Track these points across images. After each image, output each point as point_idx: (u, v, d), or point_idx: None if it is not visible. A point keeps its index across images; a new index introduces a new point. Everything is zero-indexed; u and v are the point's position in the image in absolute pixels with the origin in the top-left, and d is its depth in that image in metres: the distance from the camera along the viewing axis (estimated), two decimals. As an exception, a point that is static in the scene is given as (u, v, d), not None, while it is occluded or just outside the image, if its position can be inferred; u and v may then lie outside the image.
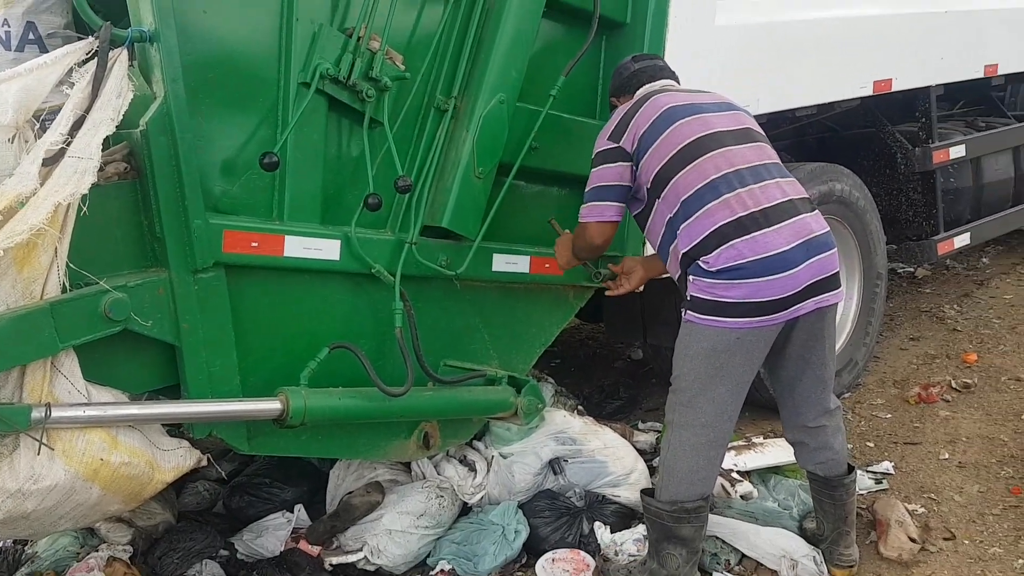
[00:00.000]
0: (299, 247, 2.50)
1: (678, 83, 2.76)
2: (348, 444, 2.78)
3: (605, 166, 2.58)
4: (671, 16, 3.09)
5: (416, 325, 2.69)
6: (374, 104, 2.55)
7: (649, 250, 2.96)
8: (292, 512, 3.16)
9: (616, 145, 2.54)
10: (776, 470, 3.27)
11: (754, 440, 3.38)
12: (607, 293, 3.08)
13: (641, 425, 3.80)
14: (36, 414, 2.01)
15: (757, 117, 3.36)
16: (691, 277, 2.41)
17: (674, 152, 2.44)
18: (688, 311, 2.41)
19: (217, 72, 2.32)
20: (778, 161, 2.54)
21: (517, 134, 2.89)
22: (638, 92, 2.69)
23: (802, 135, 4.56)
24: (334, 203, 2.60)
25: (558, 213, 3.18)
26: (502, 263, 3.02)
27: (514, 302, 3.16)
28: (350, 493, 3.08)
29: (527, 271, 3.10)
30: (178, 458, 2.39)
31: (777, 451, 3.27)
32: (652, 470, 3.24)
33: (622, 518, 3.05)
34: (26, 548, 2.98)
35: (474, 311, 3.06)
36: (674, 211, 2.44)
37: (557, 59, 3.02)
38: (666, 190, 2.46)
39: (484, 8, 2.77)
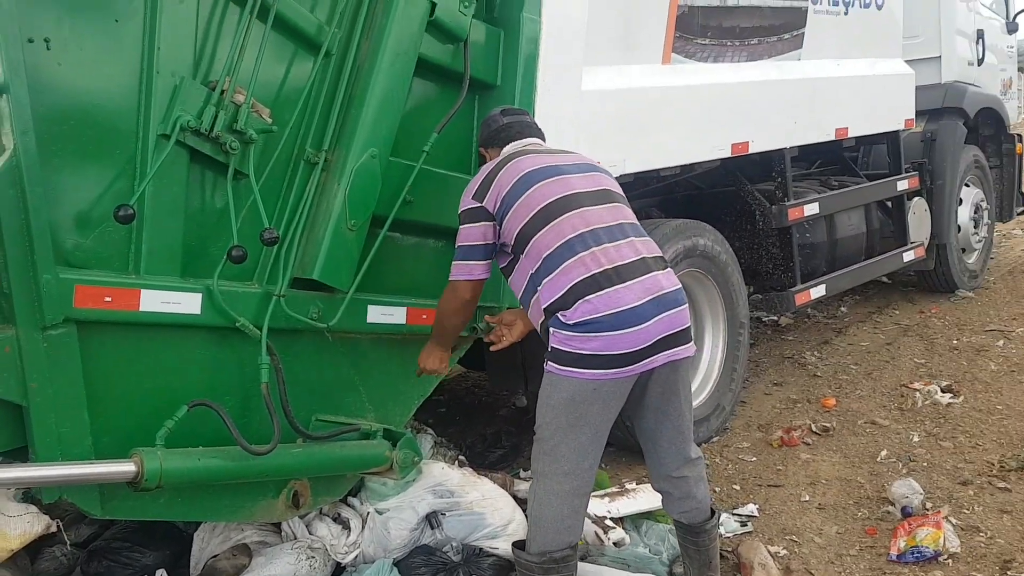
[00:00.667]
0: (156, 301, 2.43)
1: (544, 141, 2.87)
2: (211, 506, 2.69)
3: (471, 225, 2.64)
4: (539, 79, 3.22)
5: (285, 380, 2.64)
6: (239, 156, 2.53)
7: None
8: (153, 578, 3.02)
9: (479, 205, 2.62)
10: (648, 515, 3.35)
11: (627, 486, 3.46)
12: (492, 348, 3.12)
13: (523, 473, 3.83)
14: None
15: (624, 177, 3.55)
16: (552, 330, 2.48)
17: (534, 212, 2.53)
18: (549, 362, 2.48)
19: (71, 124, 2.25)
20: (634, 221, 2.66)
21: (391, 187, 2.92)
22: (504, 149, 2.78)
23: (669, 193, 4.78)
24: (196, 256, 2.55)
25: (435, 265, 3.21)
26: (377, 314, 3.01)
27: (390, 354, 3.15)
28: (215, 557, 2.96)
29: (404, 322, 3.10)
30: (25, 524, 2.28)
31: (649, 496, 3.35)
32: (529, 520, 3.25)
33: (500, 571, 3.04)
34: None
35: (348, 364, 3.03)
36: (536, 267, 2.52)
37: (431, 115, 3.08)
38: (528, 247, 2.54)
39: (355, 64, 2.81)
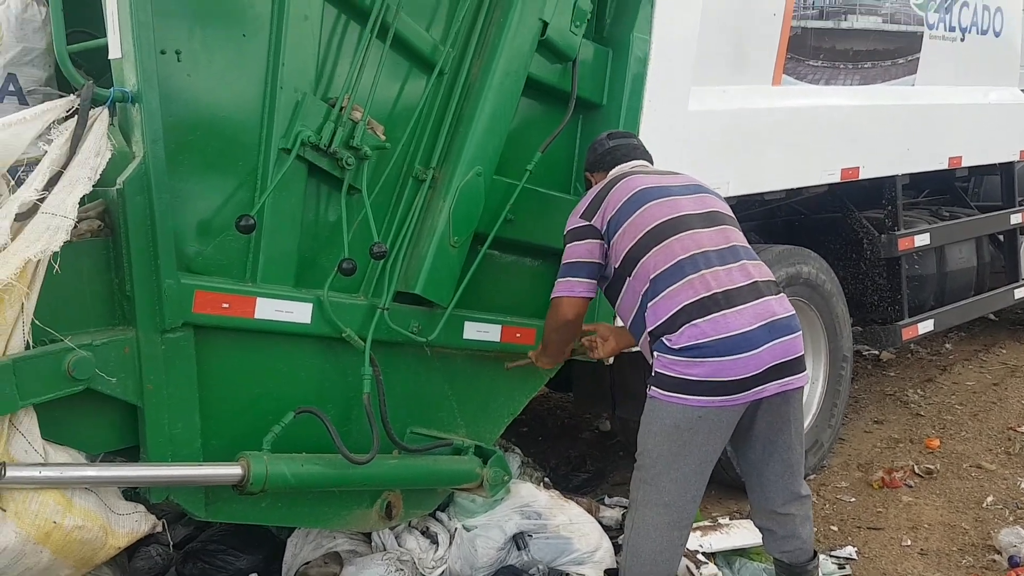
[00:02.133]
0: (270, 310, 2.49)
1: (651, 163, 2.83)
2: (308, 512, 2.72)
3: (576, 243, 2.64)
4: (646, 100, 3.18)
5: (384, 391, 2.67)
6: (353, 172, 2.58)
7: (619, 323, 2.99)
8: (247, 582, 3.08)
9: (587, 223, 2.61)
10: (741, 552, 3.25)
11: (720, 521, 3.37)
12: (590, 354, 3.08)
13: (608, 500, 3.77)
14: (-11, 473, 1.96)
15: (727, 199, 3.46)
16: (656, 354, 2.44)
17: (643, 233, 2.50)
18: (652, 387, 2.43)
19: (198, 134, 2.34)
20: (745, 244, 2.60)
21: (493, 205, 2.93)
22: (612, 171, 2.76)
23: (771, 217, 4.66)
24: (308, 267, 2.60)
25: (532, 284, 3.21)
26: (473, 331, 3.03)
27: (484, 371, 3.16)
28: (307, 564, 3.00)
29: (498, 340, 3.10)
30: (133, 523, 2.32)
31: (743, 532, 3.26)
32: (618, 548, 3.20)
33: (585, 597, 3.01)
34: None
35: (443, 379, 3.05)
36: (644, 289, 2.48)
37: (535, 135, 3.09)
38: (636, 269, 2.50)
39: (466, 84, 2.84)
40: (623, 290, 2.59)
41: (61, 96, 2.32)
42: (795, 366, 2.43)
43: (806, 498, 2.63)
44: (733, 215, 2.69)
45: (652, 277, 2.45)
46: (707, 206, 2.61)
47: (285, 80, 2.42)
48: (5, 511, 2.01)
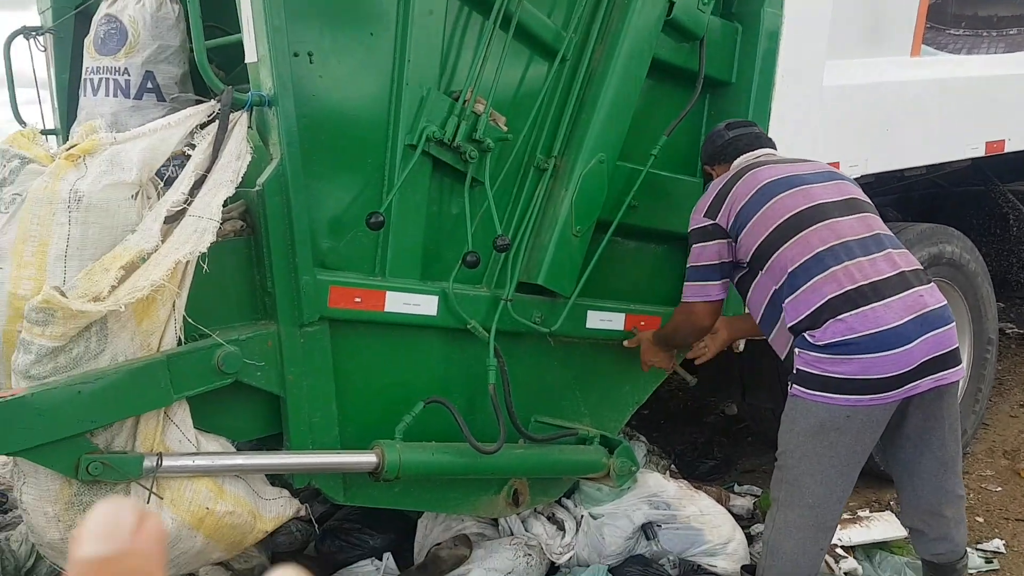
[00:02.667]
0: (399, 303, 2.54)
1: (775, 150, 2.70)
2: (439, 498, 2.79)
3: (703, 244, 2.53)
4: (778, 76, 3.05)
5: (509, 381, 2.69)
6: (476, 164, 2.59)
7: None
8: (381, 560, 3.17)
9: (712, 222, 2.50)
10: (882, 545, 3.12)
11: (860, 513, 3.24)
12: (696, 361, 3.02)
13: (737, 488, 3.70)
14: (148, 463, 2.08)
15: (864, 177, 3.29)
16: (797, 350, 2.33)
17: (776, 226, 2.38)
18: (795, 385, 2.33)
19: (329, 134, 2.39)
20: (888, 231, 2.45)
21: (616, 192, 2.89)
22: (735, 162, 2.64)
23: (908, 191, 4.41)
24: (433, 260, 2.64)
25: (655, 270, 3.15)
26: (596, 320, 3.00)
27: (607, 360, 3.13)
28: (438, 545, 3.07)
29: (621, 328, 3.07)
30: (279, 507, 2.43)
31: (884, 525, 3.14)
32: (750, 538, 3.13)
33: (717, 589, 2.96)
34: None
35: (567, 368, 3.04)
36: (779, 284, 2.38)
37: (658, 117, 3.01)
38: (769, 263, 2.39)
39: (588, 69, 2.79)
40: (752, 286, 2.49)
41: (198, 99, 2.42)
42: (950, 360, 2.29)
43: (961, 498, 2.48)
44: (871, 201, 2.54)
45: (789, 271, 2.34)
46: (844, 193, 2.47)
47: (411, 76, 2.45)
48: (162, 499, 2.14)
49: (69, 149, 2.17)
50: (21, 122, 3.34)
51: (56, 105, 3.48)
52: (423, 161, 2.51)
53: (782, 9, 3.04)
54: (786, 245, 2.35)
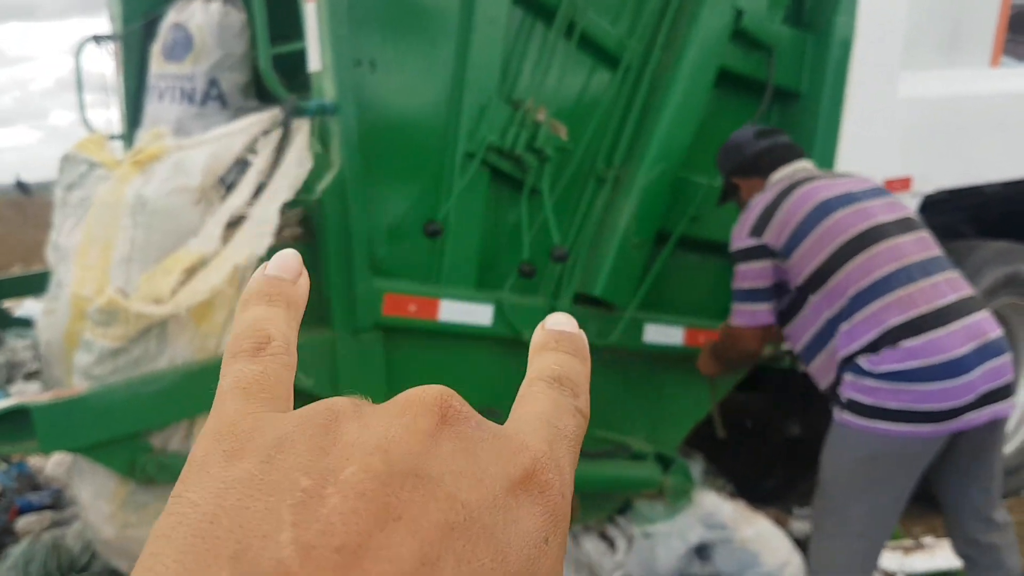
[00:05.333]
0: (453, 311, 2.53)
1: (810, 161, 2.58)
2: None
3: (749, 264, 2.40)
4: (849, 87, 2.95)
5: None
6: (535, 173, 2.56)
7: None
8: None
9: (758, 242, 2.36)
10: (945, 574, 2.99)
11: (923, 540, 3.11)
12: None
13: (797, 510, 3.58)
14: (202, 465, 2.10)
15: (939, 193, 3.17)
16: (848, 376, 2.22)
17: (835, 246, 2.26)
18: (843, 413, 2.23)
19: (389, 143, 2.40)
20: (942, 253, 2.31)
21: (678, 203, 2.83)
22: (773, 176, 2.50)
23: (983, 208, 4.22)
24: (489, 269, 2.62)
25: (717, 284, 3.07)
26: (655, 334, 2.94)
27: (665, 374, 3.07)
28: (487, 557, 3.05)
29: (680, 343, 3.00)
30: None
31: (947, 554, 3.00)
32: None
33: (771, 613, 2.87)
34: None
35: (622, 382, 2.99)
36: (835, 309, 2.26)
37: (724, 128, 2.93)
38: (826, 287, 2.27)
39: (652, 79, 2.75)
40: (802, 309, 2.37)
41: (261, 105, 2.44)
42: (1006, 392, 2.17)
43: (1006, 526, 2.35)
44: (921, 220, 2.42)
45: (850, 295, 2.22)
46: (899, 212, 2.34)
47: (471, 85, 2.44)
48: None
49: (135, 155, 2.21)
50: (89, 127, 3.43)
51: (123, 110, 3.57)
52: (482, 170, 2.49)
53: (855, 18, 2.95)
54: (846, 268, 2.23)
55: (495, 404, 2.61)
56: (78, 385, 2.02)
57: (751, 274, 2.40)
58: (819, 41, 2.97)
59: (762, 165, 2.53)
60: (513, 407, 0.35)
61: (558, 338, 0.38)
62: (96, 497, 2.07)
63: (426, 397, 0.31)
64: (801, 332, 2.40)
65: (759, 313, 2.42)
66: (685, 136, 2.78)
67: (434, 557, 0.25)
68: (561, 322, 0.39)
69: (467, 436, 0.30)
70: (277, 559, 0.24)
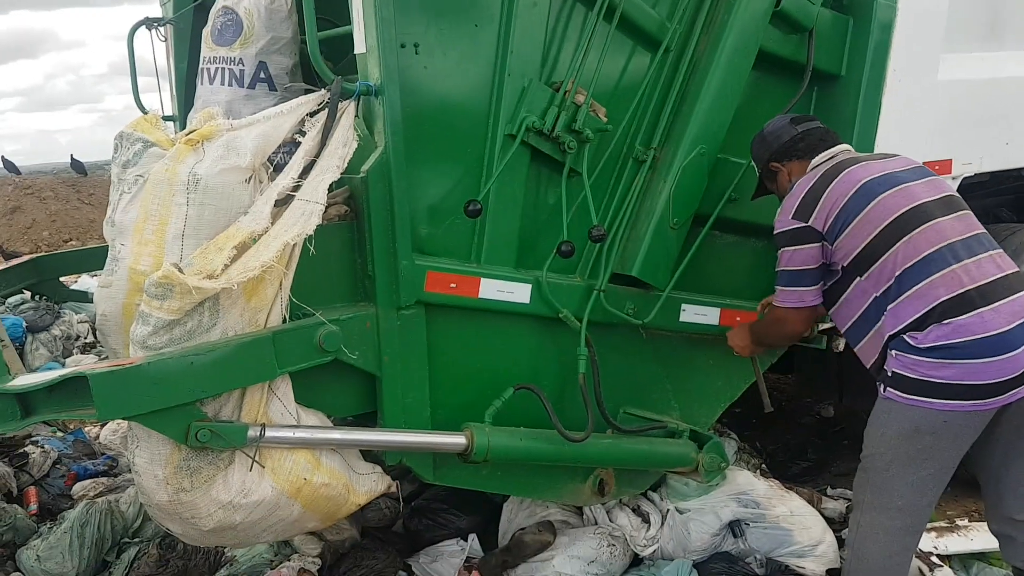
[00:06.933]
0: (493, 289, 2.59)
1: (849, 145, 2.60)
2: (525, 483, 2.83)
3: (797, 248, 2.42)
4: (890, 70, 2.94)
5: (599, 372, 2.70)
6: (574, 155, 2.60)
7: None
8: (466, 540, 3.24)
9: (804, 224, 2.39)
10: (980, 556, 3.01)
11: (958, 522, 3.12)
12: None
13: (830, 491, 3.61)
14: (252, 433, 2.19)
15: (979, 176, 3.14)
16: (893, 352, 2.26)
17: (880, 229, 2.29)
18: (889, 388, 2.27)
19: (432, 124, 2.45)
20: (986, 231, 2.34)
21: (716, 185, 2.85)
22: (815, 160, 2.53)
23: (1022, 191, 4.18)
24: (528, 249, 2.67)
25: (754, 266, 3.10)
26: (691, 314, 2.98)
27: (700, 354, 3.11)
28: (522, 530, 3.12)
29: (716, 323, 3.03)
30: (371, 482, 2.52)
31: (983, 536, 3.01)
32: (841, 541, 3.06)
33: (804, 591, 2.91)
34: (226, 551, 3.24)
35: (658, 361, 3.03)
36: (882, 290, 2.29)
37: (763, 110, 2.95)
38: (873, 268, 2.31)
39: (692, 60, 2.77)
40: (848, 291, 2.40)
41: (309, 88, 2.51)
42: None
43: None
44: (963, 199, 2.43)
45: (897, 275, 2.26)
46: (940, 191, 2.36)
47: (513, 67, 2.47)
48: (264, 467, 2.25)
49: (188, 134, 2.29)
50: (142, 109, 3.53)
51: (174, 93, 3.66)
52: (522, 151, 2.53)
53: (896, 1, 2.93)
54: (893, 248, 2.27)
55: (532, 380, 2.70)
56: (134, 355, 2.10)
57: (798, 256, 2.42)
58: (860, 24, 2.96)
59: (801, 148, 2.57)
60: None
61: None
62: (151, 463, 2.16)
63: None
64: (847, 313, 2.43)
65: (806, 295, 2.45)
66: (724, 118, 2.80)
67: None
68: None
69: None
70: None
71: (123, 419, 2.11)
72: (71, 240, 15.10)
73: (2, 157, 19.16)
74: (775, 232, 2.50)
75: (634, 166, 2.79)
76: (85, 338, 6.70)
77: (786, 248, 2.45)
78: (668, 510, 3.07)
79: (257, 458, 2.23)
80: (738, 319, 3.03)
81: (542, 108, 2.52)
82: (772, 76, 2.99)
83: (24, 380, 2.05)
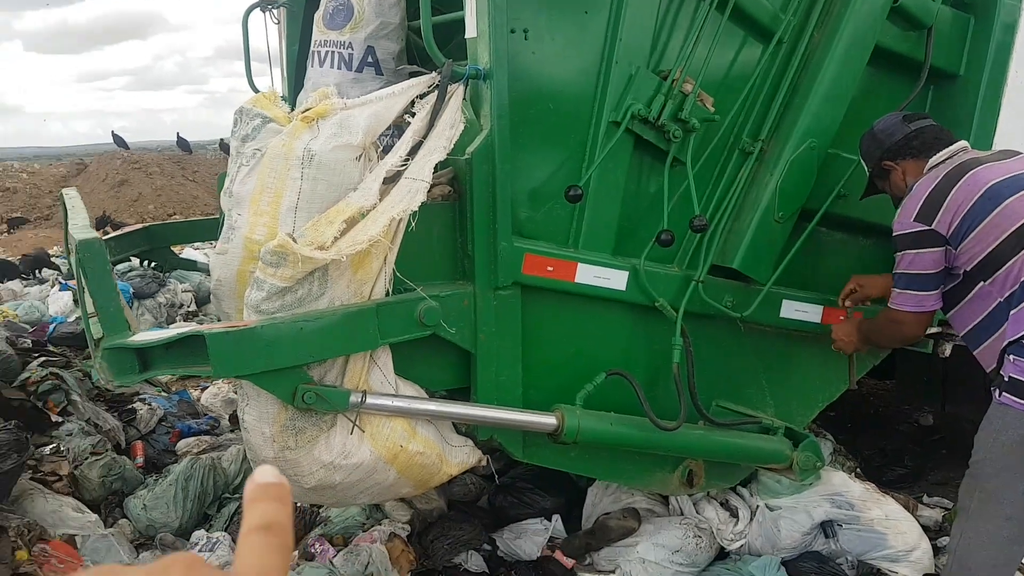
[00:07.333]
0: (589, 275, 2.61)
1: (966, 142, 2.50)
2: (613, 468, 2.85)
3: (919, 252, 2.36)
4: (1011, 71, 2.82)
5: (693, 362, 2.69)
6: (679, 144, 2.59)
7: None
8: (550, 521, 3.29)
9: (927, 227, 2.32)
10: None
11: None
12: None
13: (926, 499, 3.50)
14: (354, 399, 2.28)
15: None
16: (1012, 357, 2.19)
17: (1008, 233, 2.22)
18: (1004, 393, 2.19)
19: (537, 108, 2.48)
20: None
21: (825, 180, 2.80)
22: (932, 159, 2.44)
23: None
24: (626, 236, 2.68)
25: (860, 264, 3.03)
26: (791, 310, 2.94)
27: (799, 351, 3.06)
28: (607, 514, 3.14)
29: (818, 321, 2.98)
30: (463, 455, 2.59)
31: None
32: (936, 550, 2.97)
33: (895, 597, 2.84)
34: (320, 512, 3.38)
35: (754, 355, 3.00)
36: (1007, 294, 2.22)
37: (876, 106, 2.88)
38: (998, 273, 2.24)
39: (805, 53, 2.72)
40: (971, 295, 2.33)
41: (419, 71, 2.57)
42: None
43: None
44: None
45: (1023, 280, 2.19)
46: None
47: (621, 55, 2.48)
48: (364, 432, 2.35)
49: (305, 112, 2.39)
50: (254, 88, 3.67)
51: (285, 74, 3.80)
52: (625, 138, 2.54)
53: (1021, 2, 2.81)
54: (1019, 254, 2.19)
55: (623, 366, 2.71)
56: (248, 319, 2.22)
57: (920, 261, 2.36)
58: (982, 23, 2.86)
59: (916, 146, 2.49)
60: (235, 561, 0.45)
61: (265, 489, 0.46)
62: (259, 420, 2.28)
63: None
64: (967, 317, 2.36)
65: (926, 300, 2.39)
66: (836, 113, 2.74)
67: None
68: (266, 474, 0.48)
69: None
70: None
71: (235, 378, 2.23)
72: (174, 214, 15.86)
73: (112, 132, 20.19)
74: (895, 234, 2.44)
75: (740, 157, 2.76)
76: (188, 306, 7.06)
77: (907, 251, 2.39)
78: (758, 506, 3.03)
79: (358, 423, 2.32)
80: (841, 318, 2.96)
81: (648, 96, 2.52)
82: (887, 72, 2.91)
83: (144, 336, 2.18)
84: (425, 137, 2.39)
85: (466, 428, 2.66)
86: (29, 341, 4.93)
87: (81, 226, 2.56)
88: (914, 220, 2.36)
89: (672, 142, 2.57)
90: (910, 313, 2.43)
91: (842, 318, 2.92)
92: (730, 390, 2.98)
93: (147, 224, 3.99)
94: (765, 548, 2.94)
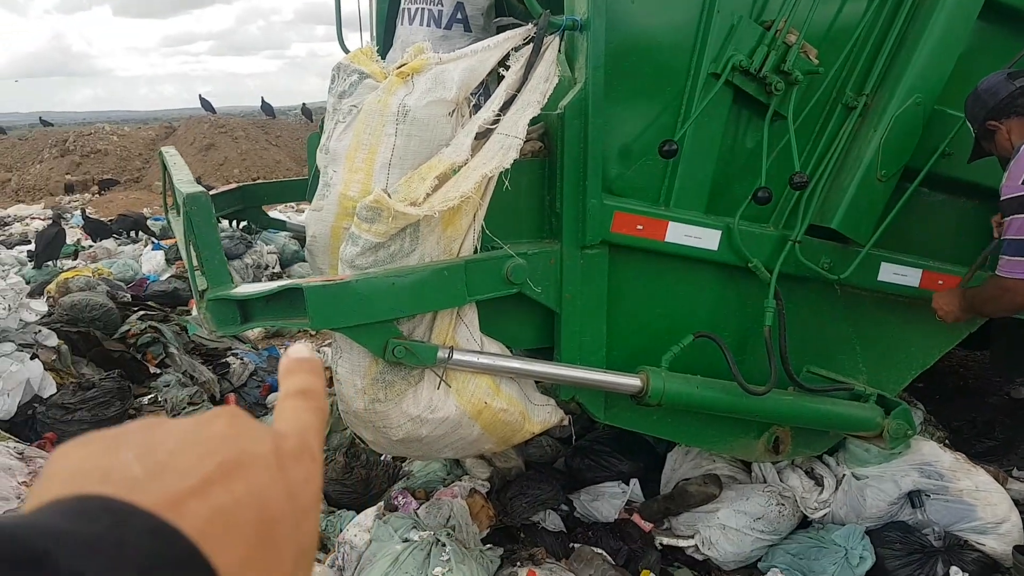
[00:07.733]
0: (680, 234, 2.55)
1: None
2: (696, 432, 2.80)
3: None
4: None
5: (786, 326, 2.61)
6: (780, 97, 2.50)
7: None
8: (628, 484, 3.28)
9: None
10: None
11: None
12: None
13: (1016, 472, 3.37)
14: (441, 354, 2.29)
15: None
16: None
17: None
18: None
19: (633, 60, 2.41)
20: None
21: (930, 138, 2.67)
22: None
23: None
24: (720, 194, 2.60)
25: (963, 227, 2.90)
26: (889, 273, 2.83)
27: (894, 316, 2.95)
28: (686, 480, 3.11)
29: (916, 285, 2.87)
30: (546, 413, 2.58)
31: None
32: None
33: (983, 568, 2.75)
34: (403, 465, 3.44)
35: (848, 320, 2.91)
36: None
37: (985, 62, 2.72)
38: None
39: (913, 5, 2.58)
40: None
41: (515, 22, 2.52)
42: None
43: None
44: None
45: None
46: None
47: (723, 4, 2.39)
48: (450, 387, 2.36)
49: (400, 67, 2.37)
50: (344, 48, 3.66)
51: (374, 33, 3.78)
52: (725, 91, 2.46)
53: None
54: None
55: (712, 329, 2.65)
56: (343, 273, 2.24)
57: None
58: None
59: (1021, 104, 2.38)
60: (275, 420, 0.47)
61: (300, 363, 0.50)
62: (351, 373, 2.31)
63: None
64: None
65: None
66: (944, 67, 2.61)
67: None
68: (301, 351, 0.51)
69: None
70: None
71: (331, 329, 2.25)
72: (258, 178, 16.19)
73: (200, 96, 20.64)
74: (1003, 198, 2.32)
75: (843, 112, 2.65)
76: (273, 268, 7.21)
77: (1017, 215, 2.28)
78: (844, 475, 2.96)
79: (444, 378, 2.33)
80: (940, 282, 2.85)
81: (750, 47, 2.43)
82: (998, 26, 2.75)
83: (246, 288, 2.21)
84: (519, 91, 2.35)
85: (548, 388, 2.65)
86: (128, 296, 5.11)
87: (186, 180, 2.61)
88: (1023, 183, 2.24)
89: (774, 95, 2.48)
90: (1021, 281, 2.31)
91: (940, 283, 2.81)
92: (822, 355, 2.90)
93: (241, 183, 4.07)
94: (849, 517, 2.88)
